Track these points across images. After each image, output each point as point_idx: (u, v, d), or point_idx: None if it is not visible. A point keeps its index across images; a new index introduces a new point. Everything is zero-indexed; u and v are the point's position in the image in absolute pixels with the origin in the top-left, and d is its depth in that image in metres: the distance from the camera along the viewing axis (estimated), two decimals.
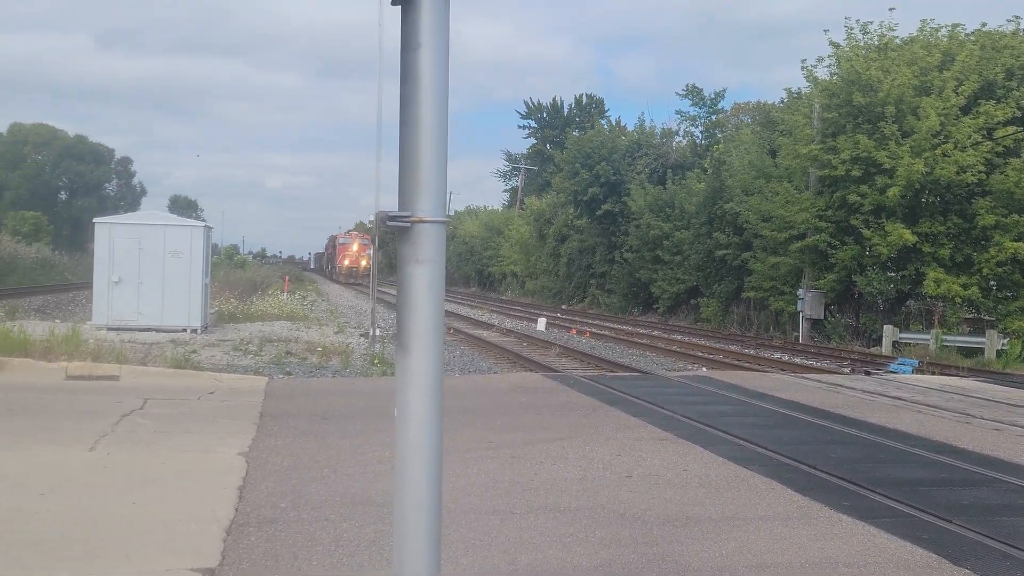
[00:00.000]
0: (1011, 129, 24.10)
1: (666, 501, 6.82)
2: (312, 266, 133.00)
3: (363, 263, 71.32)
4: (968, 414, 11.80)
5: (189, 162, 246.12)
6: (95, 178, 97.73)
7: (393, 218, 2.56)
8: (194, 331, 20.65)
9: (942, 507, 6.75)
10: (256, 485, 6.90)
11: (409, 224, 2.57)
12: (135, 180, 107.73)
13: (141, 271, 20.53)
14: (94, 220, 21.51)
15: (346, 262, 75.65)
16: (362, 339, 20.85)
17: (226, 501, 6.39)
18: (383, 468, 7.45)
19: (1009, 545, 5.86)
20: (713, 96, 48.80)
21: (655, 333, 30.43)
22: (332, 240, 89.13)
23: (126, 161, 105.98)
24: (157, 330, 20.04)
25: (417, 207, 2.58)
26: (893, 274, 26.24)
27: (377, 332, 20.16)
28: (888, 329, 24.43)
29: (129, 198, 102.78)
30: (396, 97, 2.61)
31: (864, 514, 6.52)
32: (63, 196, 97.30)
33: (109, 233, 20.71)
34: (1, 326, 15.20)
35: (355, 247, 74.77)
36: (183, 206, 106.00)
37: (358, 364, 16.75)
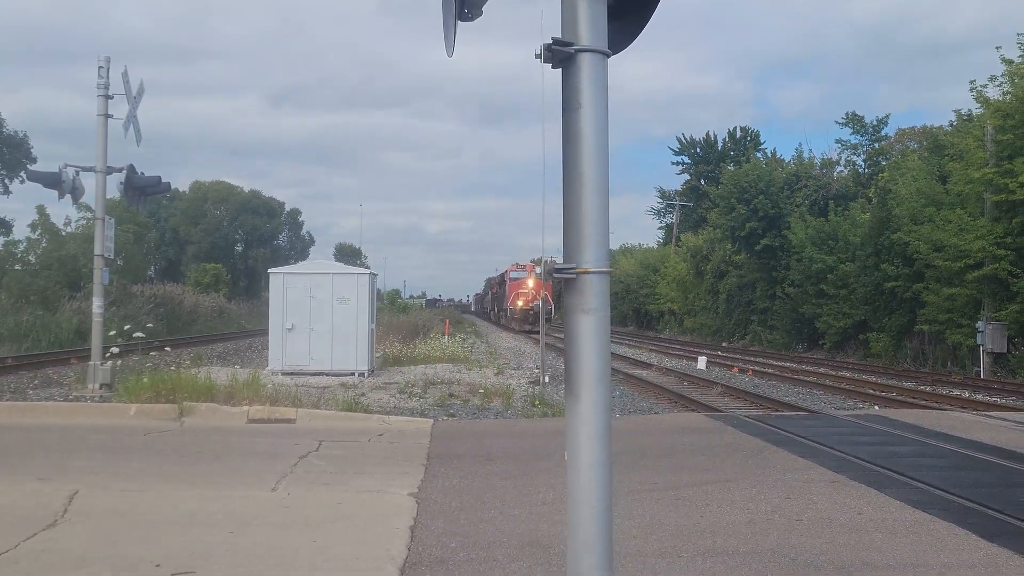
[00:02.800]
0: None
1: (840, 546, 6.59)
2: (472, 308, 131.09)
3: (538, 302, 55.38)
4: None
5: (352, 211, 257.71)
6: (268, 230, 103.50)
7: (559, 270, 2.67)
8: (362, 375, 21.46)
9: None
10: (426, 525, 7.12)
11: (575, 275, 2.67)
12: (303, 231, 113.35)
13: (312, 318, 21.56)
14: (269, 271, 22.81)
15: (520, 302, 61.20)
16: (525, 382, 21.06)
17: (399, 540, 6.63)
18: (548, 509, 7.54)
19: None
20: (876, 123, 47.18)
21: (821, 370, 29.36)
22: (500, 277, 74.56)
23: (295, 213, 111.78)
24: (327, 374, 20.95)
25: (582, 259, 2.68)
26: None
27: (547, 378, 20.38)
28: None
29: (298, 248, 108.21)
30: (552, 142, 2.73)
31: None
32: (239, 248, 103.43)
33: (282, 283, 21.89)
34: (189, 373, 16.28)
35: (531, 283, 60.29)
36: (348, 253, 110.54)
37: (519, 405, 16.97)
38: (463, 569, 5.99)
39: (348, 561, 6.12)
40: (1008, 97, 26.38)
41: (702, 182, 72.10)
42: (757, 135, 76.12)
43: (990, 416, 15.22)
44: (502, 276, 71.63)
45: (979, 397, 20.83)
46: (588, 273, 2.67)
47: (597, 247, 2.69)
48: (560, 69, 2.78)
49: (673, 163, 79.35)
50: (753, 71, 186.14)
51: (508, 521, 7.30)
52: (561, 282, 2.73)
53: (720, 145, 75.63)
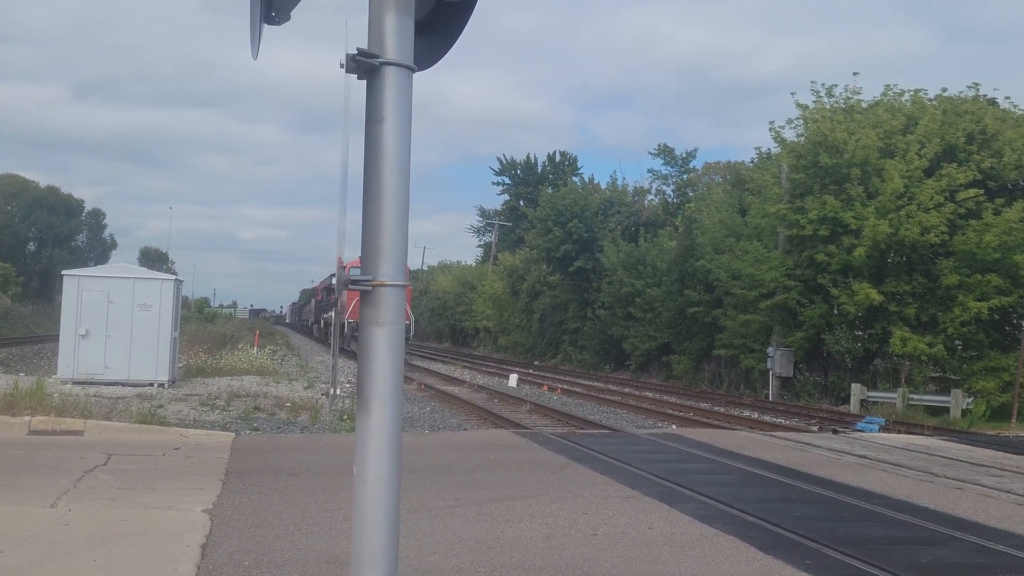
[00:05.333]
0: (972, 192, 24.65)
1: (631, 560, 6.84)
2: (288, 320, 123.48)
3: None
4: (931, 473, 11.93)
5: (161, 214, 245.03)
6: (65, 230, 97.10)
7: (355, 281, 2.65)
8: (161, 385, 20.47)
9: (902, 566, 6.83)
10: (220, 543, 6.85)
11: (371, 288, 2.65)
12: (106, 232, 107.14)
13: (109, 324, 20.38)
14: (63, 272, 21.40)
15: None
16: (324, 397, 20.67)
17: (189, 559, 6.35)
18: (349, 526, 7.42)
19: None
20: (685, 155, 49.62)
21: (626, 390, 30.49)
22: (333, 284, 61.57)
23: (97, 213, 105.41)
24: (124, 384, 19.85)
25: (379, 271, 2.66)
26: (860, 333, 26.55)
27: (339, 391, 19.99)
28: (856, 387, 24.66)
29: (99, 250, 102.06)
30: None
31: (825, 572, 6.58)
32: (32, 247, 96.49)
33: (77, 286, 20.58)
34: None
35: None
36: (154, 258, 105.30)
37: (327, 420, 16.67)
38: None
39: None
40: (802, 139, 28.43)
41: (521, 203, 73.54)
42: (575, 160, 78.53)
43: (774, 436, 16.27)
44: (335, 283, 59.21)
45: (767, 418, 22.22)
46: (384, 286, 2.66)
47: (394, 260, 2.68)
48: (365, 81, 2.77)
49: (494, 183, 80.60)
50: (578, 99, 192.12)
51: (306, 538, 7.14)
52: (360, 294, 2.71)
53: (540, 168, 77.45)
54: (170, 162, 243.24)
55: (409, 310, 42.36)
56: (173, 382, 21.40)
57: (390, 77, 2.71)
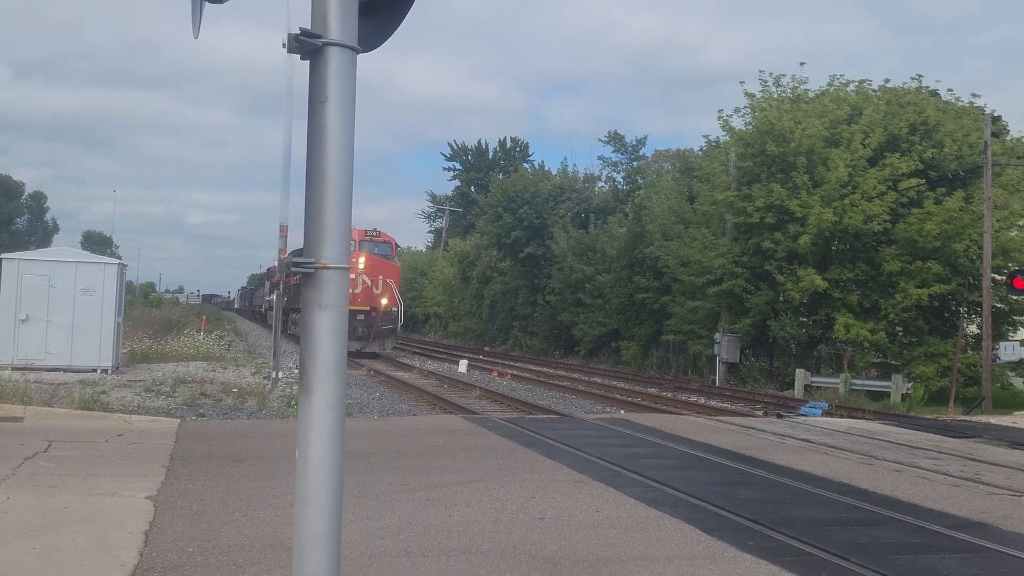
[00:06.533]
0: (914, 181, 25.16)
1: (577, 543, 6.90)
2: (236, 306, 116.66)
3: (384, 301, 35.29)
4: (871, 456, 12.20)
5: (105, 197, 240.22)
6: (4, 213, 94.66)
7: (297, 264, 2.63)
8: (105, 371, 20.12)
9: (841, 546, 6.98)
10: (163, 530, 6.77)
11: (313, 270, 2.63)
12: (48, 216, 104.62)
13: (51, 309, 19.97)
14: (1, 256, 20.88)
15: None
16: (283, 382, 20.50)
17: (131, 546, 6.26)
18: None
19: None
20: (635, 143, 49.92)
21: (576, 375, 30.67)
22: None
23: (39, 196, 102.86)
24: (66, 370, 19.48)
25: (322, 254, 2.64)
26: (805, 319, 27.02)
27: (281, 375, 19.76)
28: (800, 373, 25.10)
29: (40, 234, 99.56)
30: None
31: (767, 553, 6.71)
32: None
33: (17, 269, 20.12)
34: None
35: (365, 263, 34.88)
36: (98, 242, 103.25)
37: (275, 405, 16.53)
38: (199, 574, 5.74)
39: (71, 570, 5.70)
40: (749, 128, 28.75)
41: (472, 189, 73.40)
42: (526, 146, 78.54)
43: (720, 420, 16.50)
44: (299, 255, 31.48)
45: (713, 403, 22.53)
46: (327, 269, 2.64)
47: (337, 243, 2.66)
48: (308, 61, 2.74)
49: (445, 168, 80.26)
50: (530, 85, 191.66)
51: (252, 524, 7.08)
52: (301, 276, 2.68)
53: (491, 154, 77.31)
54: (115, 144, 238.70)
55: (397, 293, 35.59)
56: (117, 368, 21.05)
57: (333, 58, 2.69)
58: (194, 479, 8.75)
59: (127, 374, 20.59)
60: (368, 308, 34.25)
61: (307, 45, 2.69)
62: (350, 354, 28.48)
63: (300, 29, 2.68)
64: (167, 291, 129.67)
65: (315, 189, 2.67)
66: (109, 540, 6.43)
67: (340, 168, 2.68)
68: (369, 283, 34.55)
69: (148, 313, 45.92)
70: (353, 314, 31.38)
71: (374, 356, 34.22)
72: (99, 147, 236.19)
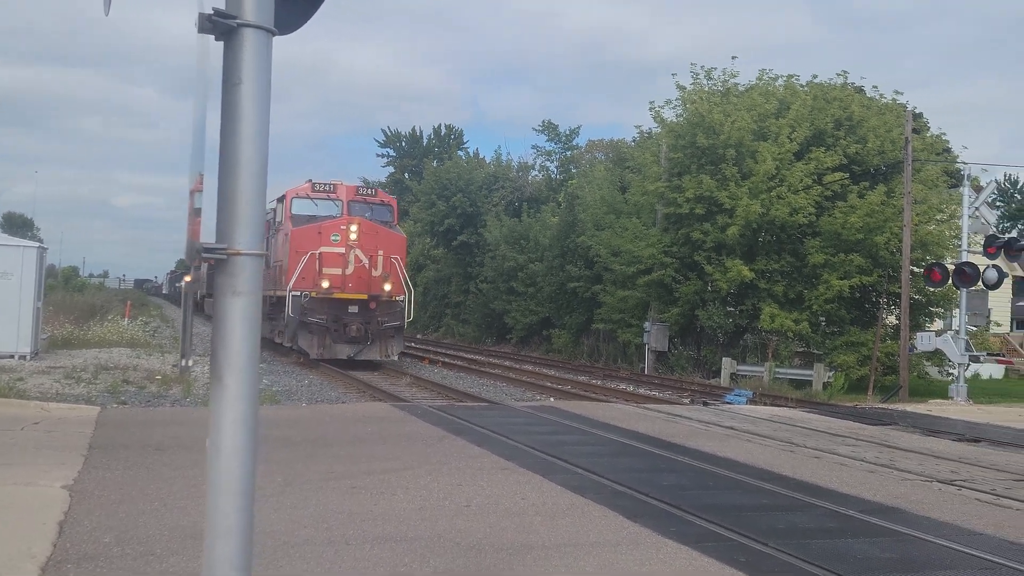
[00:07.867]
0: (838, 175, 25.77)
1: (502, 530, 6.94)
2: (165, 291, 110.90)
3: (387, 287, 24.81)
4: (792, 443, 12.50)
5: (26, 177, 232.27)
6: None
7: (209, 250, 2.58)
8: (23, 357, 19.55)
9: (760, 531, 7.14)
10: (79, 520, 6.61)
11: (226, 256, 2.59)
12: None
13: None
14: None
15: (325, 282, 24.22)
16: (176, 368, 19.77)
17: (44, 537, 6.10)
18: None
19: (816, 566, 6.26)
20: (568, 132, 50.14)
21: (507, 363, 30.77)
22: (282, 219, 26.63)
23: None
24: None
25: (235, 240, 2.60)
26: (732, 309, 27.50)
27: (190, 363, 19.31)
28: (726, 361, 25.55)
29: None
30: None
31: (688, 539, 6.83)
32: None
33: None
34: None
35: (356, 232, 24.34)
36: (18, 224, 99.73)
37: (200, 393, 16.24)
38: (115, 564, 5.63)
39: None
40: (681, 119, 29.08)
41: (406, 176, 72.91)
42: (461, 134, 78.22)
43: (648, 408, 16.72)
44: (272, 215, 27.49)
45: (642, 391, 22.82)
46: (240, 255, 2.60)
47: (251, 229, 2.62)
48: (223, 43, 2.68)
49: (378, 155, 79.53)
50: (471, 72, 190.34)
51: (172, 513, 6.96)
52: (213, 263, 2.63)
53: (425, 141, 76.84)
54: (37, 123, 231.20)
55: (404, 275, 25.32)
56: (36, 354, 20.48)
57: (248, 39, 2.64)
58: (113, 468, 8.56)
59: (47, 360, 20.03)
60: (364, 297, 24.33)
61: (221, 26, 2.64)
62: (341, 362, 23.97)
63: (213, 9, 2.63)
64: (91, 275, 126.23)
65: (228, 174, 2.63)
66: (22, 531, 6.25)
67: (254, 153, 2.64)
68: (365, 261, 24.35)
69: (70, 298, 44.67)
70: (343, 305, 24.00)
71: (374, 366, 24.97)
72: (21, 125, 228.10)
